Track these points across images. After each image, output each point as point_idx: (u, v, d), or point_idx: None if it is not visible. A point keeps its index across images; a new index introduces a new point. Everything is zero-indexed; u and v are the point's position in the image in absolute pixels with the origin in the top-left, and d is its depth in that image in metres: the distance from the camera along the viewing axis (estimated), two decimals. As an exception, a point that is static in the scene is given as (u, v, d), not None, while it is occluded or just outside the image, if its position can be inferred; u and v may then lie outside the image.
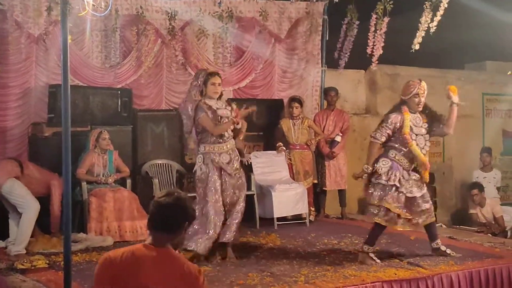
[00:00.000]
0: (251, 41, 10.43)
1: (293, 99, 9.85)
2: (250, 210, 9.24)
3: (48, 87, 8.75)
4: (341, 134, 9.99)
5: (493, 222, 10.41)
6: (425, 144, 7.02)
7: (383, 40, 9.53)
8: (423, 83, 7.03)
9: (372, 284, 6.11)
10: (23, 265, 6.58)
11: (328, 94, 10.24)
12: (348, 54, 10.42)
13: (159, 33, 9.67)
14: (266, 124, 10.32)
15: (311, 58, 10.94)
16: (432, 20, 8.54)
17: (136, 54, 9.50)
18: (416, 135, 6.96)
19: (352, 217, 10.24)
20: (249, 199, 9.22)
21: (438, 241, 7.29)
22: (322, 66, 11.04)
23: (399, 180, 6.94)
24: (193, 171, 7.27)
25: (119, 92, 9.33)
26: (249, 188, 9.24)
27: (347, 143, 10.35)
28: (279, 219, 9.21)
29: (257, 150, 10.08)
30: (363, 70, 11.95)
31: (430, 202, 7.25)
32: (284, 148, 9.67)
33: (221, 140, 6.99)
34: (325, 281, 6.11)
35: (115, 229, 8.20)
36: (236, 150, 7.17)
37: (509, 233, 10.24)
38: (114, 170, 8.71)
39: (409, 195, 6.98)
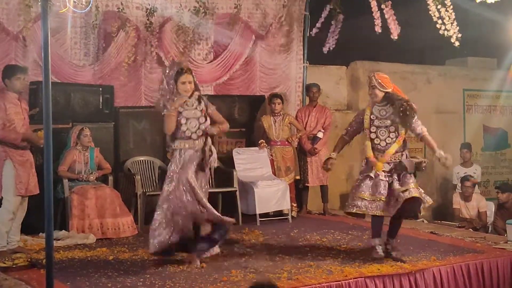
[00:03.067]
0: (231, 37, 10.38)
1: (274, 96, 9.87)
2: (232, 206, 9.27)
3: (28, 84, 8.68)
4: (323, 130, 10.02)
5: (476, 217, 10.47)
6: (389, 136, 6.95)
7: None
8: (373, 76, 7.03)
9: (355, 279, 6.14)
10: (4, 263, 6.54)
11: (310, 90, 10.25)
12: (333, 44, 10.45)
13: (139, 30, 9.62)
14: (248, 120, 10.32)
15: (293, 54, 10.93)
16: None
17: (115, 51, 9.44)
18: (377, 127, 6.98)
19: (335, 213, 10.26)
20: (231, 196, 9.26)
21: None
22: (304, 62, 11.04)
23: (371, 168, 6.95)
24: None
25: (100, 89, 9.27)
26: (231, 185, 9.27)
27: (329, 139, 10.36)
28: (261, 215, 9.22)
29: (239, 147, 10.07)
30: (345, 66, 11.98)
31: (413, 184, 6.88)
32: (266, 144, 9.68)
33: (190, 137, 6.64)
34: (308, 277, 6.12)
35: (97, 226, 8.18)
36: (209, 150, 6.73)
37: (490, 228, 10.31)
38: (96, 167, 8.68)
39: (389, 180, 6.92)
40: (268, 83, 10.79)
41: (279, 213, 9.55)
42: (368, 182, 6.95)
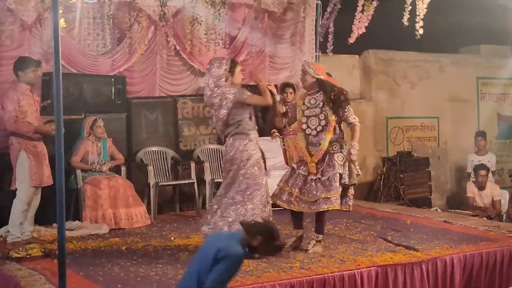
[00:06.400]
0: (243, 26, 10.36)
1: (286, 85, 9.83)
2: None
3: (41, 75, 8.69)
4: (335, 120, 9.95)
5: (490, 206, 10.43)
6: (319, 124, 6.83)
7: (367, 22, 9.56)
8: (306, 62, 7.07)
9: (367, 269, 6.13)
10: (18, 253, 6.58)
11: (321, 80, 10.19)
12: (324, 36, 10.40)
13: (152, 20, 9.62)
14: (261, 109, 10.27)
15: (305, 43, 10.90)
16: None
17: (129, 41, 9.44)
18: (308, 117, 6.90)
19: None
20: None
21: (319, 236, 6.93)
22: (316, 51, 11.01)
23: (298, 161, 7.05)
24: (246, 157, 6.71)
25: (112, 79, 9.28)
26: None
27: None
28: (274, 204, 9.17)
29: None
30: (357, 55, 11.93)
31: (334, 191, 6.70)
32: (278, 134, 9.66)
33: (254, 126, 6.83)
34: (321, 266, 6.13)
35: (110, 216, 8.20)
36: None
37: (504, 217, 10.26)
38: (109, 157, 8.70)
39: (310, 177, 6.83)
40: (279, 72, 10.75)
41: (292, 202, 9.51)
42: (288, 173, 7.02)
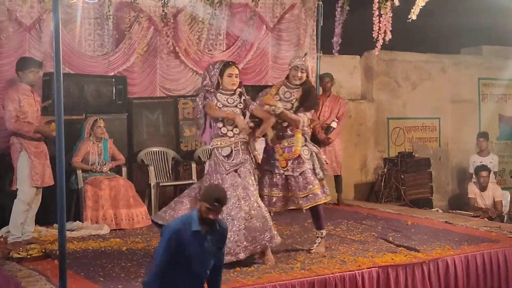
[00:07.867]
0: (243, 27, 10.35)
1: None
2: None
3: (42, 76, 8.68)
4: (337, 120, 9.96)
5: (491, 207, 10.42)
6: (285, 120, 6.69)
7: (389, 24, 9.49)
8: (307, 58, 6.84)
9: (368, 269, 6.12)
10: (19, 254, 6.57)
11: (323, 80, 10.21)
12: (340, 38, 10.29)
13: (152, 20, 9.62)
14: (262, 110, 10.28)
15: (306, 44, 10.89)
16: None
17: (129, 42, 9.43)
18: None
19: (349, 203, 10.24)
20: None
21: (322, 232, 6.89)
22: (317, 52, 10.99)
23: (271, 162, 6.83)
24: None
25: (113, 80, 9.29)
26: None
27: (343, 129, 10.34)
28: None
29: (252, 136, 10.03)
30: (358, 56, 11.93)
31: (315, 182, 6.68)
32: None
33: (223, 133, 6.49)
34: (322, 267, 6.12)
35: (111, 217, 8.20)
36: (244, 147, 6.60)
37: (505, 217, 10.25)
38: (109, 158, 8.70)
39: (287, 173, 6.71)
40: (280, 73, 10.74)
41: (293, 203, 9.51)
42: (266, 178, 6.79)
